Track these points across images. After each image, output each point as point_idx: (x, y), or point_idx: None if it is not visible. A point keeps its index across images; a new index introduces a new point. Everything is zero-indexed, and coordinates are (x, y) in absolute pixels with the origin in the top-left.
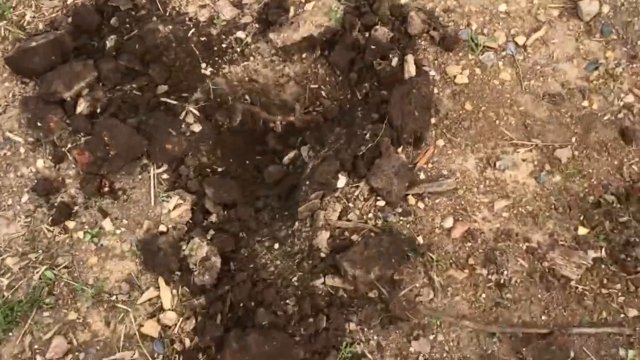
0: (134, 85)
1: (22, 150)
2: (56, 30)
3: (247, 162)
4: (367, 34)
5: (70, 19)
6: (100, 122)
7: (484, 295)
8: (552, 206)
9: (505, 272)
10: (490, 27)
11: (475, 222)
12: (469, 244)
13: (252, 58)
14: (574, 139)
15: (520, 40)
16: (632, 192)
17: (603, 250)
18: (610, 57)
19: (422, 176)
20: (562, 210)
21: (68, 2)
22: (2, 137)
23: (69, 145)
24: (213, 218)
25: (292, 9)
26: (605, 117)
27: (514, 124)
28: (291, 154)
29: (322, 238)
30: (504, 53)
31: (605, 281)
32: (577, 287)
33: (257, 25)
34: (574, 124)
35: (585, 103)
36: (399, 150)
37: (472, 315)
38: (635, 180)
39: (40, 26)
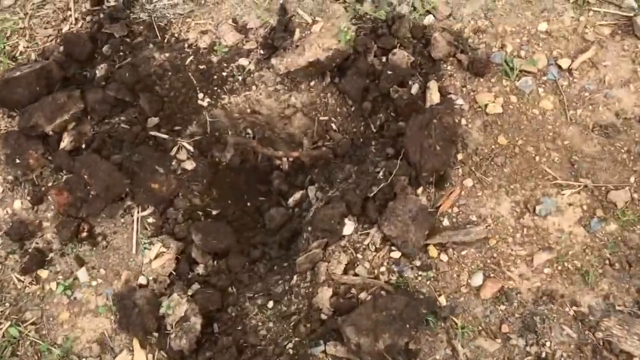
0: (122, 118)
1: (0, 189)
2: (47, 59)
3: (248, 204)
4: (384, 59)
5: (61, 48)
6: (80, 159)
7: None
8: (607, 261)
9: (548, 344)
10: (529, 49)
11: (511, 280)
12: (503, 307)
13: (254, 87)
14: (632, 179)
15: (565, 63)
16: None
17: None
18: None
19: (445, 222)
20: (620, 266)
21: (63, 30)
22: None
23: (50, 185)
24: (200, 269)
25: (297, 32)
26: None
27: (558, 160)
28: (297, 195)
29: (324, 296)
30: (544, 78)
31: None
32: None
33: (261, 52)
34: (632, 161)
35: None
36: (419, 191)
37: None
38: None
39: (33, 56)
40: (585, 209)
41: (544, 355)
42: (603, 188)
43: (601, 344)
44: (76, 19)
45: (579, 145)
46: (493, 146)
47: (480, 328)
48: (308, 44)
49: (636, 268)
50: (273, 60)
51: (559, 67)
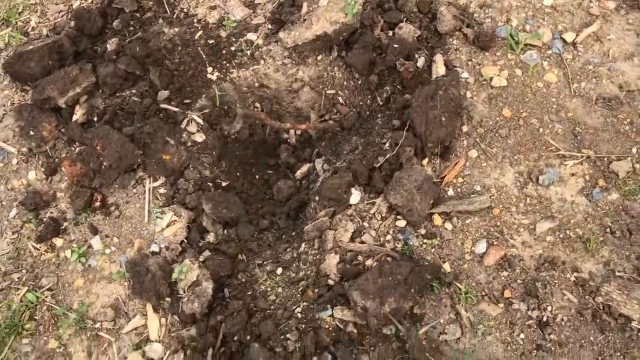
0: (133, 91)
1: (14, 161)
2: (58, 34)
3: (256, 176)
4: (390, 33)
5: (72, 23)
6: (93, 131)
7: (522, 336)
8: (608, 229)
9: (549, 308)
10: (534, 23)
11: (514, 248)
12: (505, 273)
13: (262, 61)
14: (634, 150)
15: (569, 37)
16: None
17: None
18: None
19: (450, 192)
20: (620, 234)
21: (74, 6)
22: None
23: (63, 156)
24: (210, 238)
25: (305, 5)
26: None
27: (561, 132)
28: (304, 168)
29: (331, 262)
30: (549, 52)
31: None
32: (638, 330)
33: (269, 27)
34: (634, 132)
35: None
36: (424, 162)
37: (507, 359)
38: None
39: (45, 32)
40: (587, 179)
41: (545, 319)
42: (605, 159)
43: (601, 308)
44: None
45: (582, 118)
46: (497, 118)
47: (483, 293)
48: (315, 17)
49: (637, 236)
50: (281, 34)
51: (564, 40)
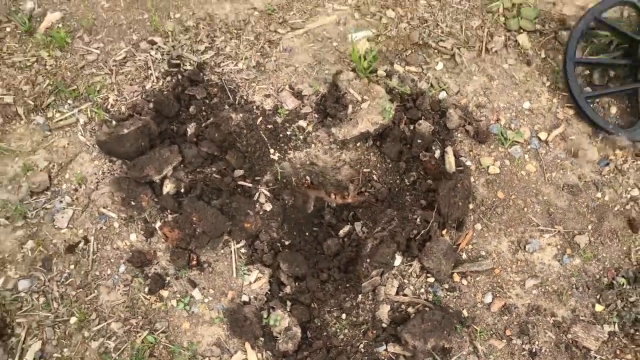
0: (213, 169)
1: (116, 225)
2: (139, 114)
3: (307, 233)
4: (412, 127)
5: (152, 105)
6: (189, 204)
7: None
8: (574, 286)
9: (537, 343)
10: (517, 123)
11: (510, 298)
12: (506, 317)
13: (313, 145)
14: (590, 227)
15: (543, 135)
16: (639, 276)
17: (616, 325)
18: (619, 154)
19: (464, 256)
20: (582, 289)
21: (147, 88)
22: (97, 212)
23: (158, 222)
24: (287, 289)
25: (350, 107)
26: (616, 208)
27: (540, 211)
28: (346, 228)
29: (384, 311)
30: (529, 147)
31: (618, 352)
32: (595, 357)
33: (316, 115)
34: (589, 213)
35: (599, 195)
36: (444, 232)
37: None
38: None
39: (123, 109)
40: (559, 248)
41: (534, 350)
42: (570, 233)
43: (571, 342)
44: (157, 78)
45: (554, 200)
46: (494, 199)
47: (491, 332)
48: (360, 118)
49: (592, 291)
50: (333, 130)
51: (539, 138)
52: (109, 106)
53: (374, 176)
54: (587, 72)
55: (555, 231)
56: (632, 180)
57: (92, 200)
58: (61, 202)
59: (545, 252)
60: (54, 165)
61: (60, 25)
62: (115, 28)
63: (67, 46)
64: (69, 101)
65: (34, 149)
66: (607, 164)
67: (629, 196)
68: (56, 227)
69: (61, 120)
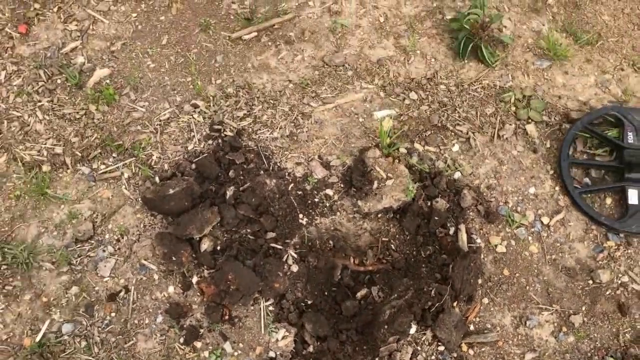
0: (248, 230)
1: (155, 277)
2: (182, 174)
3: (325, 293)
4: (429, 203)
5: (194, 166)
6: (226, 263)
7: None
8: None
9: None
10: (523, 206)
11: None
12: None
13: (338, 213)
14: (584, 308)
15: (545, 220)
16: (626, 357)
17: None
18: (612, 243)
19: (471, 328)
20: None
21: (189, 148)
22: (138, 264)
23: (195, 276)
24: (310, 348)
25: (375, 182)
26: (607, 292)
27: (540, 290)
28: (363, 291)
29: None
30: (533, 229)
31: None
32: None
33: (342, 185)
34: (584, 295)
35: (593, 279)
36: (454, 304)
37: None
38: (628, 347)
39: (166, 166)
40: (555, 325)
41: None
42: (567, 312)
43: None
44: (199, 140)
45: (553, 281)
46: (500, 275)
47: None
48: (384, 194)
49: None
50: (359, 203)
51: (542, 222)
52: (152, 163)
53: (392, 246)
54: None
55: (553, 310)
56: (623, 267)
57: (133, 251)
58: (104, 251)
59: (543, 328)
60: (97, 215)
61: (108, 81)
62: (159, 88)
63: (115, 102)
64: (113, 154)
65: (79, 198)
66: (602, 251)
67: (619, 282)
68: (99, 275)
69: (106, 172)
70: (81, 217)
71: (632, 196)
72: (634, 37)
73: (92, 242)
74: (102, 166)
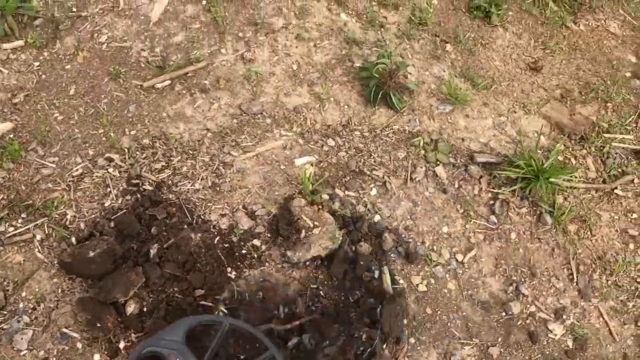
0: (175, 289)
1: (79, 345)
2: (100, 233)
3: (257, 345)
4: (353, 247)
5: (113, 224)
6: (155, 325)
7: None
8: None
9: None
10: (438, 245)
11: None
12: None
13: (267, 264)
14: (499, 339)
15: (460, 257)
16: None
17: None
18: (519, 276)
19: None
20: None
21: (106, 205)
22: (59, 333)
23: (122, 341)
24: None
25: (303, 232)
26: (519, 323)
27: (460, 325)
28: (295, 340)
29: None
30: (449, 267)
31: None
32: None
33: (268, 235)
34: (499, 327)
35: (505, 311)
36: (384, 346)
37: None
38: None
39: (82, 225)
40: (476, 358)
41: None
42: (485, 345)
43: None
44: (116, 196)
45: (471, 316)
46: (423, 314)
47: None
48: (312, 242)
49: None
50: (288, 253)
51: (457, 260)
52: (67, 222)
53: (321, 292)
54: None
55: (473, 343)
56: (530, 298)
57: (52, 319)
58: (19, 321)
59: None
60: (9, 283)
61: (12, 136)
62: (70, 141)
63: (21, 158)
64: (23, 215)
65: None
66: (511, 284)
67: (528, 312)
68: (15, 348)
69: (15, 235)
70: None
71: None
72: (522, 81)
73: (5, 312)
74: (11, 228)
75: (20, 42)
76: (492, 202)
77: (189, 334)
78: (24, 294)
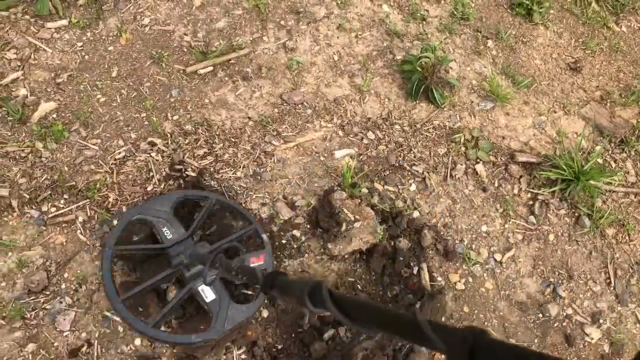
0: None
1: (120, 328)
2: None
3: (292, 335)
4: (392, 243)
5: None
6: (199, 315)
7: None
8: None
9: None
10: (477, 244)
11: None
12: None
13: (306, 255)
14: (536, 340)
15: (498, 257)
16: None
17: None
18: (557, 278)
19: None
20: None
21: (148, 189)
22: (100, 315)
23: (163, 327)
24: None
25: (344, 225)
26: (555, 325)
27: (497, 325)
28: (330, 332)
29: None
30: (487, 266)
31: None
32: None
33: (308, 226)
34: (535, 328)
35: (543, 312)
36: None
37: None
38: None
39: (124, 209)
40: None
41: None
42: (521, 345)
43: None
44: (159, 180)
45: (507, 316)
46: (461, 312)
47: None
48: (353, 236)
49: None
50: (329, 245)
51: (495, 259)
52: (109, 205)
53: (358, 286)
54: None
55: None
56: (567, 301)
57: (94, 302)
58: (61, 302)
59: None
60: (51, 263)
61: (55, 116)
62: (112, 124)
63: (64, 139)
64: (65, 196)
65: (29, 245)
66: (549, 285)
67: (564, 314)
68: (58, 329)
69: (58, 215)
70: (33, 266)
71: (208, 293)
72: (562, 81)
73: (47, 293)
74: (53, 209)
75: (64, 22)
76: (531, 202)
77: (177, 207)
78: (66, 275)
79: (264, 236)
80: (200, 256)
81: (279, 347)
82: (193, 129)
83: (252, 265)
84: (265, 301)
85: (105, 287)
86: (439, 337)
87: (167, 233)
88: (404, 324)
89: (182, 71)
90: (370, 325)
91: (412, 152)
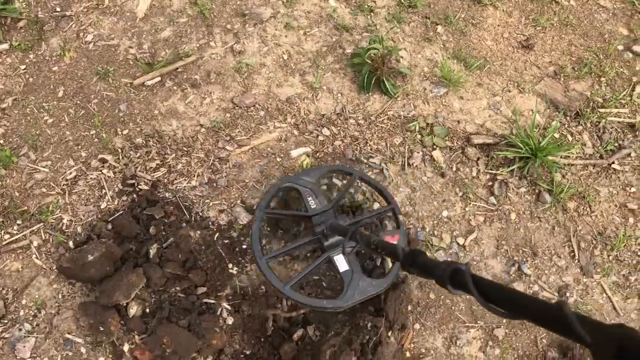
0: (178, 288)
1: (83, 350)
2: (98, 236)
3: (261, 339)
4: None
5: (110, 226)
6: (158, 326)
7: None
8: None
9: None
10: (439, 229)
11: None
12: None
13: None
14: (504, 321)
15: (461, 241)
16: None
17: None
18: (521, 256)
19: (407, 354)
20: None
21: (102, 207)
22: (62, 339)
23: (126, 344)
24: None
25: (302, 224)
26: None
27: (464, 309)
28: (299, 332)
29: None
30: (450, 251)
31: None
32: None
33: (268, 229)
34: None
35: None
36: (389, 333)
37: None
38: (546, 351)
39: (79, 229)
40: (482, 340)
41: None
42: (490, 327)
43: None
44: (112, 197)
45: (474, 299)
46: (427, 300)
47: None
48: None
49: None
50: (289, 245)
51: (458, 243)
52: (63, 227)
53: (324, 283)
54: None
55: (478, 326)
56: (533, 278)
57: (54, 326)
58: (20, 330)
59: (472, 345)
60: (8, 291)
61: (2, 142)
62: (61, 144)
63: (13, 164)
64: (18, 222)
65: None
66: (513, 265)
67: (531, 292)
68: (18, 357)
69: (11, 242)
70: None
71: (341, 263)
72: (515, 60)
73: (5, 321)
74: (7, 236)
75: (5, 46)
76: (490, 183)
77: (321, 179)
78: (24, 301)
79: (401, 217)
80: (340, 228)
81: (248, 352)
82: (144, 141)
83: None
84: (229, 308)
85: (253, 245)
86: (586, 332)
87: (311, 202)
88: (548, 314)
89: (129, 84)
90: (511, 310)
91: (368, 144)
